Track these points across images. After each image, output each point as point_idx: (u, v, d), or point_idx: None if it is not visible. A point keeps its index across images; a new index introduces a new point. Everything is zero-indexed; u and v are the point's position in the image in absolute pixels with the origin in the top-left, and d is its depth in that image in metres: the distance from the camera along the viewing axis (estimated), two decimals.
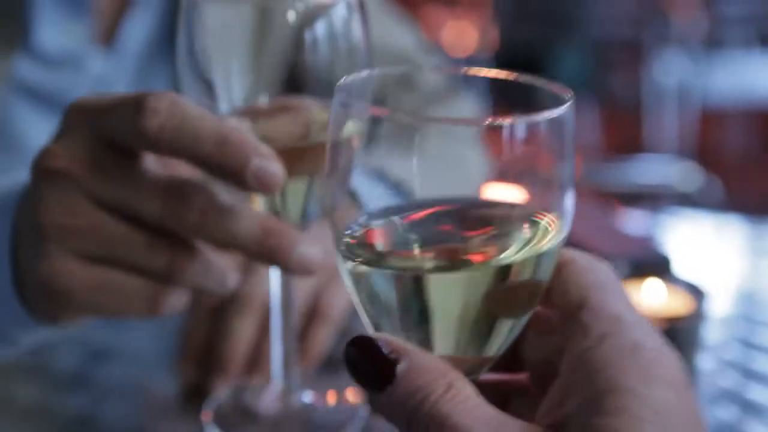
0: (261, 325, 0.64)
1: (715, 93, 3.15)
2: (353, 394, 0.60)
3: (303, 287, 0.64)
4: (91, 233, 0.46)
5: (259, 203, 0.50)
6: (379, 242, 0.38)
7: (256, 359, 0.64)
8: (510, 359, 0.39)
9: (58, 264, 0.46)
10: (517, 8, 3.15)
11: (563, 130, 0.36)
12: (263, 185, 0.44)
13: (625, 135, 3.21)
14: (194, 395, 0.64)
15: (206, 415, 0.58)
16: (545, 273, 0.36)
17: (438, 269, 0.36)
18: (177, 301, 0.49)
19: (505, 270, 0.35)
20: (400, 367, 0.33)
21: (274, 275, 0.54)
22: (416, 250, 0.37)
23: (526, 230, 0.37)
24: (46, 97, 0.78)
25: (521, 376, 0.41)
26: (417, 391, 0.32)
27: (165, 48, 0.83)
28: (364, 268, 0.36)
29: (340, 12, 0.50)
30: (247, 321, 0.63)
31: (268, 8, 0.51)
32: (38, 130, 0.78)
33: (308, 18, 0.49)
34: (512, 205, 0.37)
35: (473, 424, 0.32)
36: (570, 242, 0.37)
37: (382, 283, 0.35)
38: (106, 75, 0.80)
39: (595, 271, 0.37)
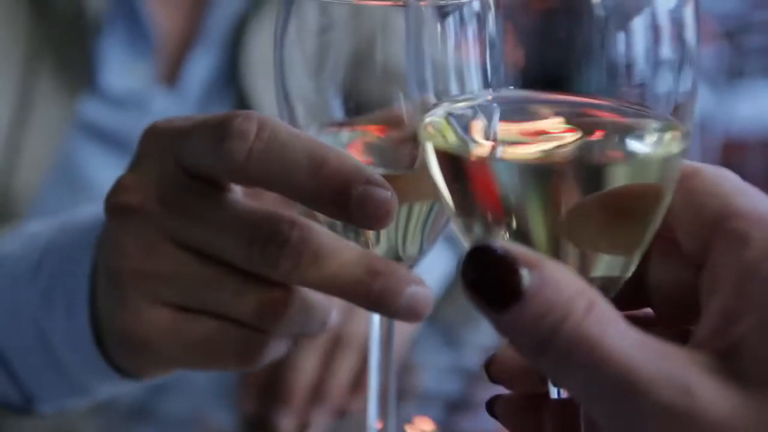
0: (324, 356, 0.65)
1: (738, 123, 3.17)
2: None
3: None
4: (172, 278, 0.40)
5: (370, 237, 0.43)
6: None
7: (320, 392, 0.66)
8: (632, 291, 0.33)
9: (137, 312, 0.40)
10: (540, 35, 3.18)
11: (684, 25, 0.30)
12: (370, 217, 0.37)
13: None
14: (256, 427, 0.66)
15: None
16: (672, 179, 0.32)
17: (571, 162, 0.30)
18: (273, 350, 0.42)
19: (636, 168, 0.31)
20: (531, 280, 0.26)
21: (373, 321, 0.48)
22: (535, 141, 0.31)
23: (649, 130, 0.32)
24: (111, 136, 0.80)
25: (643, 312, 0.34)
26: (553, 309, 0.26)
27: (225, 86, 0.86)
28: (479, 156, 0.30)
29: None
30: (310, 352, 0.65)
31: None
32: (104, 169, 0.80)
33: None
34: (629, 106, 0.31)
35: (630, 351, 0.26)
36: None
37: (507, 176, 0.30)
38: (168, 114, 0.82)
39: (729, 178, 0.33)
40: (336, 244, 0.38)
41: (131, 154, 0.71)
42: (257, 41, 0.84)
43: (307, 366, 0.65)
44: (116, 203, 0.40)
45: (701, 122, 3.20)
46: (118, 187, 0.41)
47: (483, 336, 0.81)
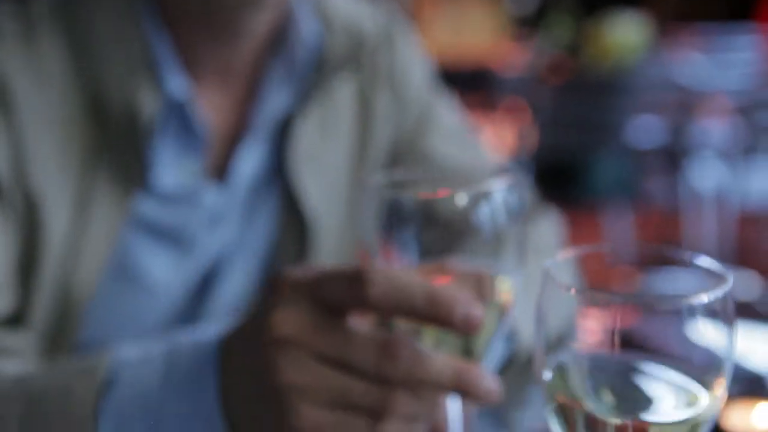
0: None
1: (753, 197, 3.19)
2: None
3: None
4: (322, 386, 0.54)
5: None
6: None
7: None
8: None
9: (306, 415, 0.54)
10: (556, 115, 3.22)
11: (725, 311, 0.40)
12: (469, 328, 0.54)
13: (664, 240, 3.23)
14: None
15: None
16: None
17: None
18: (393, 429, 0.56)
19: None
20: None
21: (454, 407, 0.62)
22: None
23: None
24: (164, 231, 0.82)
25: None
26: None
27: (272, 180, 0.88)
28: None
29: (500, 194, 0.58)
30: None
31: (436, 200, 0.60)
32: (157, 262, 0.83)
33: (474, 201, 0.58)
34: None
35: None
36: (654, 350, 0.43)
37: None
38: (218, 208, 0.84)
39: None
40: (432, 354, 0.55)
41: (183, 246, 0.81)
42: (303, 135, 0.87)
43: None
44: (276, 336, 0.54)
45: (717, 197, 3.23)
46: (272, 324, 0.55)
47: (531, 417, 0.82)
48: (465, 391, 0.56)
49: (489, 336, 0.59)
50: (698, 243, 3.12)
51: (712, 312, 0.42)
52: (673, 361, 0.45)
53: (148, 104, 0.75)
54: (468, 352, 0.58)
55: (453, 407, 0.61)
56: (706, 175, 3.23)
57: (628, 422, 0.44)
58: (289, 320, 0.55)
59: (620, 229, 3.13)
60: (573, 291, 0.44)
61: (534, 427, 0.81)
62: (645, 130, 3.20)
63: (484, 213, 0.58)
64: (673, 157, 3.22)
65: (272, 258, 0.91)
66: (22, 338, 0.75)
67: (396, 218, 0.60)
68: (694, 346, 0.43)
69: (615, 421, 0.44)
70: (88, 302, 0.78)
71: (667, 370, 0.45)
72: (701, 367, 0.44)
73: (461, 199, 0.58)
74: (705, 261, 0.46)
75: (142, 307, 0.85)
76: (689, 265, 0.46)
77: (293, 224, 0.89)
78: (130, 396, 0.61)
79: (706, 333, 0.43)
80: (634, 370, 0.46)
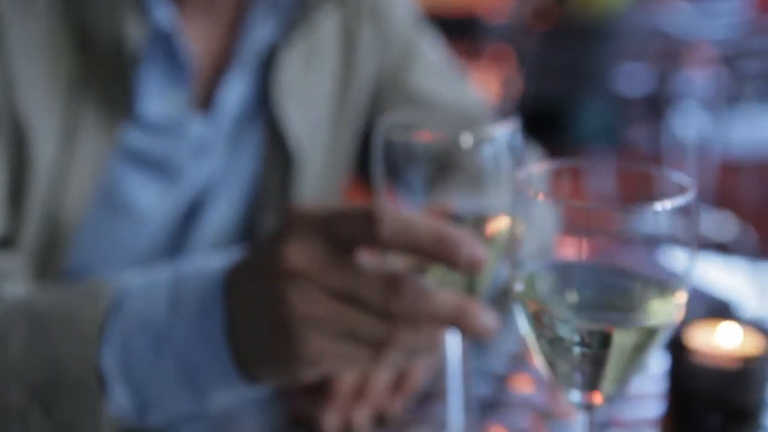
0: None
1: (734, 146, 3.21)
2: None
3: None
4: (329, 318, 0.57)
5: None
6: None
7: (362, 392, 0.70)
8: None
9: (305, 342, 0.58)
10: (541, 62, 3.22)
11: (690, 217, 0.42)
12: (473, 268, 0.57)
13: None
14: (301, 426, 0.71)
15: None
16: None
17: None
18: (393, 361, 0.60)
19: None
20: None
21: (453, 341, 0.64)
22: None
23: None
24: (149, 160, 0.83)
25: None
26: None
27: (257, 111, 0.89)
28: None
29: (504, 138, 0.61)
30: None
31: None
32: (143, 191, 0.84)
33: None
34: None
35: None
36: None
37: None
38: (203, 138, 0.85)
39: None
40: (435, 290, 0.58)
41: (169, 176, 0.83)
42: (287, 67, 0.87)
43: None
44: (285, 269, 0.57)
45: (699, 145, 3.25)
46: (283, 257, 0.58)
47: (508, 343, 0.84)
48: (464, 326, 0.59)
49: (490, 274, 0.61)
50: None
51: (676, 219, 0.44)
52: (638, 269, 0.47)
53: (134, 33, 0.76)
54: (470, 290, 0.61)
55: (452, 341, 0.64)
56: (689, 124, 3.25)
57: (593, 326, 0.46)
58: (301, 254, 0.57)
59: (602, 177, 3.15)
60: (541, 197, 0.46)
61: (511, 352, 0.83)
62: (630, 77, 3.20)
63: (488, 155, 0.60)
64: (656, 105, 3.23)
65: (256, 189, 0.92)
66: (14, 260, 0.76)
67: (401, 160, 0.62)
68: (659, 254, 0.45)
69: (580, 325, 0.46)
70: (76, 230, 0.79)
71: (633, 278, 0.47)
72: (665, 275, 0.46)
73: (467, 142, 0.60)
74: (670, 173, 0.47)
75: (128, 235, 0.86)
76: (658, 177, 0.48)
77: (277, 156, 0.91)
78: (136, 321, 0.63)
79: (670, 240, 0.45)
80: (601, 277, 0.48)
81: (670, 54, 3.25)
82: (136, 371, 0.63)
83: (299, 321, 0.57)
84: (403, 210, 0.59)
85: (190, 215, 0.89)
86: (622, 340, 0.46)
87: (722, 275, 1.00)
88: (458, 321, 0.59)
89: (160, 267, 0.68)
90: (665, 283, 0.47)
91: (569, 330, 0.46)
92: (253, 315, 0.60)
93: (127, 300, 0.64)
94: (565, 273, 0.48)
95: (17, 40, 0.75)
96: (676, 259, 0.46)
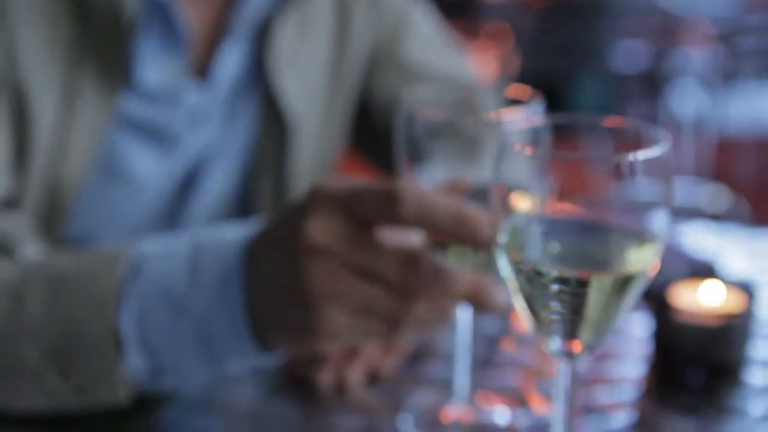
0: None
1: (731, 123, 3.23)
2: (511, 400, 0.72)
3: None
4: (348, 294, 0.59)
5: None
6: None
7: (356, 350, 0.72)
8: None
9: (326, 318, 0.60)
10: (538, 39, 3.23)
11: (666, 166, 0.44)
12: (489, 247, 0.58)
13: None
14: (295, 384, 0.73)
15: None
16: None
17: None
18: (406, 337, 0.62)
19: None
20: None
21: (463, 313, 0.66)
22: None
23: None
24: (145, 128, 0.84)
25: None
26: None
27: (253, 80, 0.90)
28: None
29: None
30: None
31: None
32: (141, 158, 0.85)
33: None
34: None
35: None
36: None
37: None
38: (200, 107, 0.87)
39: None
40: (451, 269, 0.60)
41: (166, 144, 0.84)
42: (282, 37, 0.89)
43: None
44: (308, 245, 0.59)
45: (696, 122, 3.26)
46: (306, 233, 0.59)
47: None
48: (479, 303, 0.62)
49: None
50: (677, 166, 3.16)
51: (651, 169, 0.46)
52: (615, 219, 0.49)
53: (131, 2, 0.77)
54: (488, 265, 0.62)
55: (463, 314, 0.67)
56: (686, 101, 3.26)
57: (571, 273, 0.48)
58: (323, 230, 0.59)
59: (587, 134, 3.16)
60: (520, 148, 0.48)
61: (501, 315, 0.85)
62: (627, 54, 3.21)
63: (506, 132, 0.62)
64: (653, 82, 3.24)
65: (252, 158, 0.94)
66: (23, 221, 0.78)
67: (420, 135, 0.63)
68: (636, 204, 0.47)
69: (559, 272, 0.48)
70: (76, 196, 0.81)
71: (611, 230, 0.49)
72: (642, 226, 0.48)
73: (485, 119, 0.62)
74: (645, 127, 0.49)
75: (127, 203, 0.88)
76: (634, 132, 0.50)
77: (273, 125, 0.92)
78: (154, 287, 0.64)
79: (645, 190, 0.47)
80: (580, 230, 0.50)
81: (668, 31, 3.25)
82: (153, 337, 0.64)
83: (319, 296, 0.59)
84: (424, 188, 0.61)
85: (187, 183, 0.91)
86: (598, 286, 0.47)
87: (710, 240, 1.02)
88: (473, 298, 0.61)
89: (179, 234, 0.70)
90: (642, 234, 0.48)
91: (548, 278, 0.48)
92: (273, 288, 0.62)
93: (146, 266, 0.65)
94: (546, 226, 0.50)
95: (18, 9, 0.76)
96: (653, 211, 0.48)
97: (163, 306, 0.64)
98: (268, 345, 0.64)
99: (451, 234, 0.59)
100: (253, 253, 0.63)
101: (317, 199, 0.61)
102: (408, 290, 0.60)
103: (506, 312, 0.63)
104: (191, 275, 0.64)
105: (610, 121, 0.51)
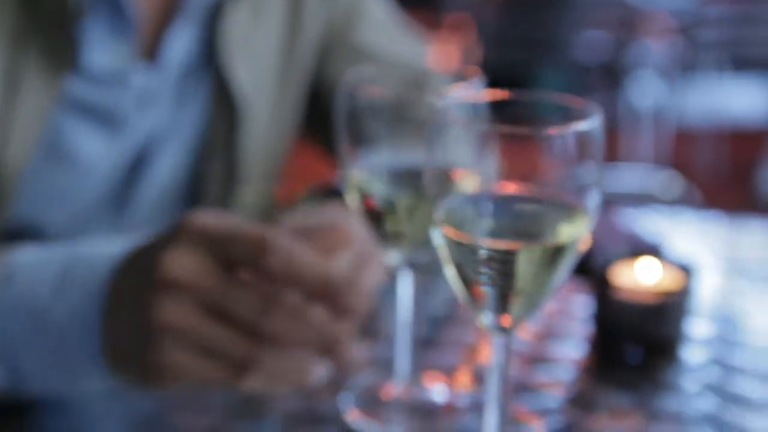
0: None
1: (690, 114, 3.27)
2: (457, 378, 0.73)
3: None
4: (194, 332, 0.58)
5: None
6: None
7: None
8: None
9: (167, 353, 0.59)
10: (500, 31, 3.25)
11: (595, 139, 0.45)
12: (351, 315, 0.60)
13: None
14: None
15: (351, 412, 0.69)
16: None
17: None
18: (254, 383, 0.60)
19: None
20: None
21: (404, 287, 0.66)
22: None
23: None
24: (92, 111, 0.84)
25: None
26: None
27: (203, 64, 0.90)
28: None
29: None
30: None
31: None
32: (87, 141, 0.85)
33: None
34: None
35: None
36: None
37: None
38: (148, 89, 0.86)
39: None
40: (307, 315, 0.59)
41: (114, 127, 0.83)
42: (234, 20, 0.88)
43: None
44: (163, 277, 0.58)
45: (655, 113, 3.30)
46: (164, 264, 0.58)
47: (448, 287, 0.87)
48: (331, 357, 0.61)
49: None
50: (635, 158, 3.20)
51: (581, 142, 0.47)
52: (548, 193, 0.49)
53: None
54: (422, 240, 0.62)
55: (403, 285, 0.67)
56: (646, 92, 3.30)
57: (500, 245, 0.49)
58: (180, 263, 0.58)
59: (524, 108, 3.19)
60: (457, 122, 0.48)
61: (451, 297, 0.86)
62: (588, 46, 3.24)
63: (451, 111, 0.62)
64: (613, 73, 3.27)
65: (203, 141, 0.93)
66: None
67: (363, 115, 0.63)
68: (567, 177, 0.48)
69: (489, 244, 0.49)
70: (20, 178, 0.81)
71: (543, 203, 0.50)
72: (572, 197, 0.49)
73: (432, 99, 0.61)
74: (578, 102, 0.50)
75: (73, 185, 0.87)
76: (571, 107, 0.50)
77: (224, 109, 0.92)
78: (20, 297, 0.65)
79: (577, 164, 0.47)
80: (514, 205, 0.51)
81: (628, 23, 3.29)
82: (11, 347, 0.64)
83: (162, 330, 0.58)
84: (296, 242, 0.59)
85: (135, 166, 0.90)
86: (527, 257, 0.48)
87: (659, 223, 1.04)
88: (325, 351, 0.60)
89: (59, 245, 0.69)
90: (573, 208, 0.49)
91: (480, 251, 0.49)
92: (125, 315, 0.62)
93: (19, 273, 0.65)
94: (482, 201, 0.51)
95: None
96: (586, 186, 0.49)
97: (26, 315, 0.64)
98: (116, 369, 0.63)
99: (313, 295, 0.59)
100: (118, 273, 0.63)
101: (183, 231, 0.60)
102: (260, 334, 0.59)
103: (349, 370, 0.65)
104: (58, 285, 0.64)
105: (549, 97, 0.52)
